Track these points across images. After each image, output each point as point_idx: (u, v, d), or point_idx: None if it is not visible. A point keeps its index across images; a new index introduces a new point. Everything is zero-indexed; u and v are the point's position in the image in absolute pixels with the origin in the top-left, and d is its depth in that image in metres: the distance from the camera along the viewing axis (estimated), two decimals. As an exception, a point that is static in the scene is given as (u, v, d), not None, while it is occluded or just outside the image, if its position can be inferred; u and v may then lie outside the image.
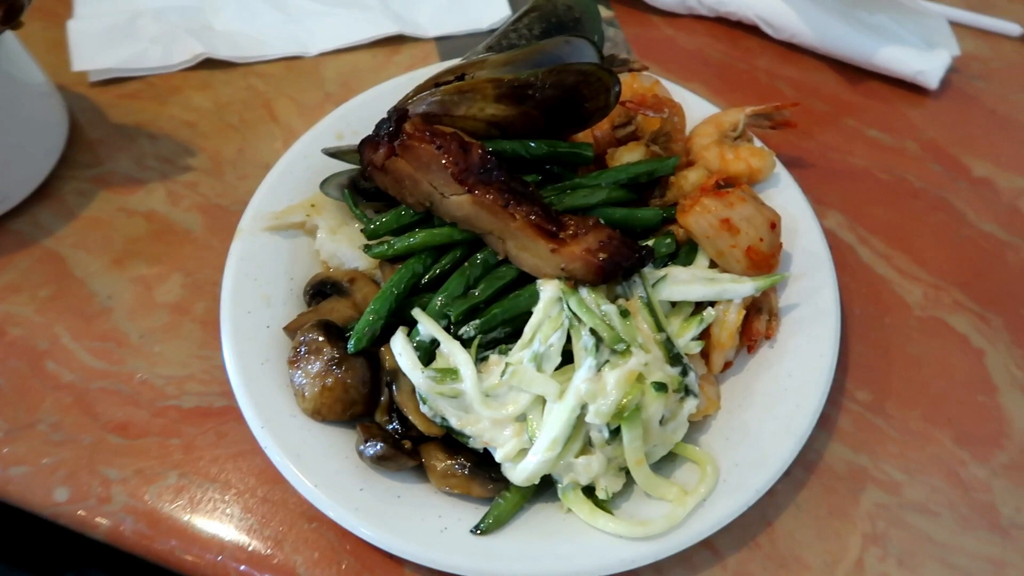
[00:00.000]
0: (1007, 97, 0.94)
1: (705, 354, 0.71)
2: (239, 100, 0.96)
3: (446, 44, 1.01)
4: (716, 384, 0.71)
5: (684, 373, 0.65)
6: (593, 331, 0.63)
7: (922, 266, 0.80)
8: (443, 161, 0.68)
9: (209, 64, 0.99)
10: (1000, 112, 0.92)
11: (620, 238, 0.66)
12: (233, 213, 0.82)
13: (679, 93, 0.86)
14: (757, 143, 0.82)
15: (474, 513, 0.63)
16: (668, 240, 0.71)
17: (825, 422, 0.71)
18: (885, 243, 0.82)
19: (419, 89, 0.77)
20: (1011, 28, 0.99)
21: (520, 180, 0.70)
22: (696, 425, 0.68)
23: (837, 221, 0.84)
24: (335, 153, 0.77)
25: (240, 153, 0.91)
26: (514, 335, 0.67)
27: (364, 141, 0.72)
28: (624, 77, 0.82)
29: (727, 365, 0.72)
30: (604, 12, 1.03)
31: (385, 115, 0.73)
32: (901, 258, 0.81)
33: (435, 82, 0.78)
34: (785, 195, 0.79)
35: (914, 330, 0.77)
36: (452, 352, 0.65)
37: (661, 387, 0.61)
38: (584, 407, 0.61)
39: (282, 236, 0.79)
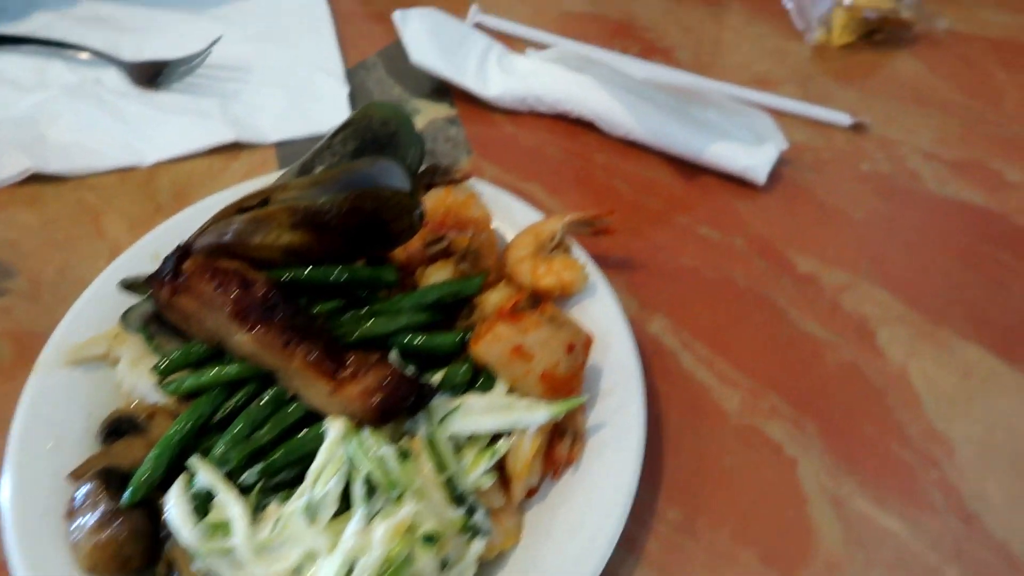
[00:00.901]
0: (835, 188, 0.95)
1: (508, 482, 0.69)
2: (67, 215, 0.94)
3: (285, 149, 1.00)
4: (519, 514, 0.69)
5: (471, 512, 0.63)
6: (367, 477, 0.61)
7: (742, 370, 0.80)
8: (222, 300, 0.67)
9: (41, 177, 0.97)
10: (828, 204, 0.93)
11: (400, 377, 0.64)
12: (47, 340, 0.79)
13: (503, 201, 0.86)
14: (578, 251, 0.82)
15: (251, 674, 0.60)
16: (464, 368, 0.70)
17: (633, 545, 0.70)
18: (708, 347, 0.82)
19: (219, 216, 0.76)
20: (841, 118, 1.00)
21: (307, 315, 0.69)
22: (493, 561, 0.66)
23: (662, 325, 0.83)
24: (131, 285, 0.76)
25: (61, 273, 0.89)
26: (304, 476, 0.65)
27: (151, 278, 0.70)
28: (438, 192, 0.82)
29: (532, 491, 0.70)
30: (447, 111, 1.04)
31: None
32: (722, 363, 0.81)
33: (238, 207, 0.77)
34: (600, 306, 0.79)
35: (730, 440, 0.76)
36: (226, 503, 0.63)
37: (430, 540, 0.59)
38: (354, 562, 0.59)
39: (83, 370, 0.76)
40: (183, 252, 0.69)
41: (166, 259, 0.70)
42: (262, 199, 0.76)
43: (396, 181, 0.77)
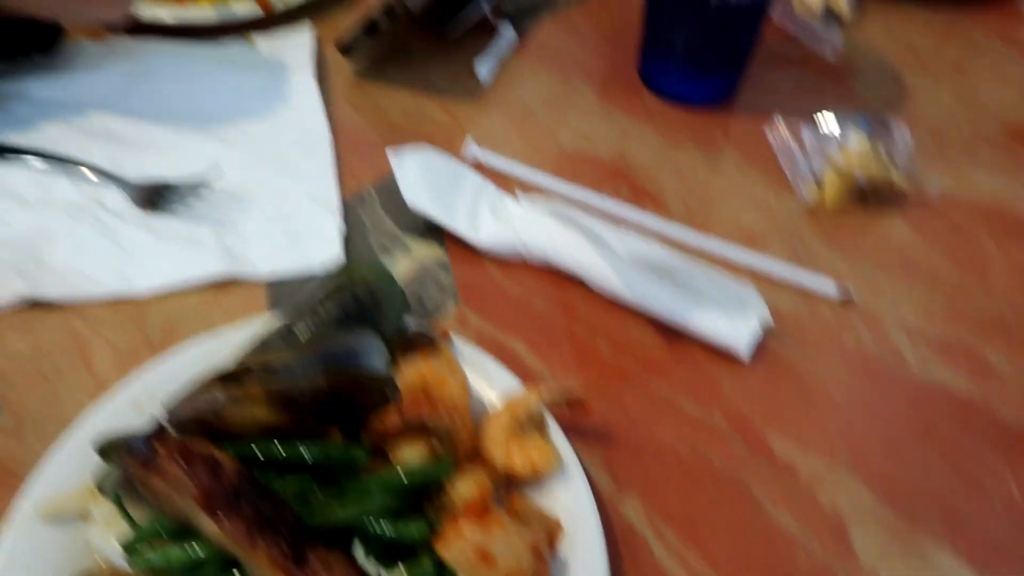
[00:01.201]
0: (819, 365, 0.95)
1: None
2: (57, 345, 0.95)
3: (275, 288, 1.01)
4: None
5: None
6: None
7: (713, 566, 0.79)
8: (189, 485, 0.67)
9: (35, 302, 0.98)
10: (809, 382, 0.93)
11: (359, 582, 0.64)
12: (23, 479, 0.79)
13: (483, 364, 0.87)
14: (553, 426, 0.82)
15: None
16: (428, 566, 0.70)
17: None
18: (680, 537, 0.81)
19: (199, 386, 0.77)
20: (828, 288, 1.01)
21: (275, 501, 0.69)
22: None
23: (635, 509, 0.83)
24: (105, 451, 0.76)
25: (47, 408, 0.90)
26: (258, 672, 0.65)
27: (124, 452, 0.71)
28: (417, 361, 0.83)
29: None
30: (438, 252, 1.05)
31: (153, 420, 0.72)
32: (694, 556, 0.80)
33: (218, 376, 0.78)
34: (571, 490, 0.78)
35: (694, 643, 0.75)
36: None
37: None
38: None
39: (56, 526, 0.76)
40: (156, 433, 0.70)
41: (140, 438, 0.70)
42: (242, 367, 0.77)
43: (374, 357, 0.78)
